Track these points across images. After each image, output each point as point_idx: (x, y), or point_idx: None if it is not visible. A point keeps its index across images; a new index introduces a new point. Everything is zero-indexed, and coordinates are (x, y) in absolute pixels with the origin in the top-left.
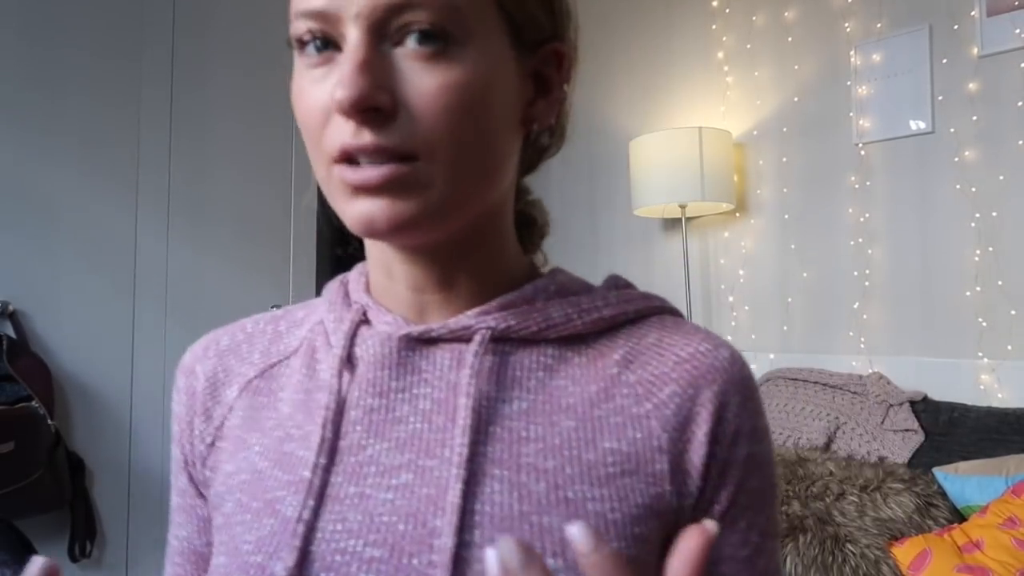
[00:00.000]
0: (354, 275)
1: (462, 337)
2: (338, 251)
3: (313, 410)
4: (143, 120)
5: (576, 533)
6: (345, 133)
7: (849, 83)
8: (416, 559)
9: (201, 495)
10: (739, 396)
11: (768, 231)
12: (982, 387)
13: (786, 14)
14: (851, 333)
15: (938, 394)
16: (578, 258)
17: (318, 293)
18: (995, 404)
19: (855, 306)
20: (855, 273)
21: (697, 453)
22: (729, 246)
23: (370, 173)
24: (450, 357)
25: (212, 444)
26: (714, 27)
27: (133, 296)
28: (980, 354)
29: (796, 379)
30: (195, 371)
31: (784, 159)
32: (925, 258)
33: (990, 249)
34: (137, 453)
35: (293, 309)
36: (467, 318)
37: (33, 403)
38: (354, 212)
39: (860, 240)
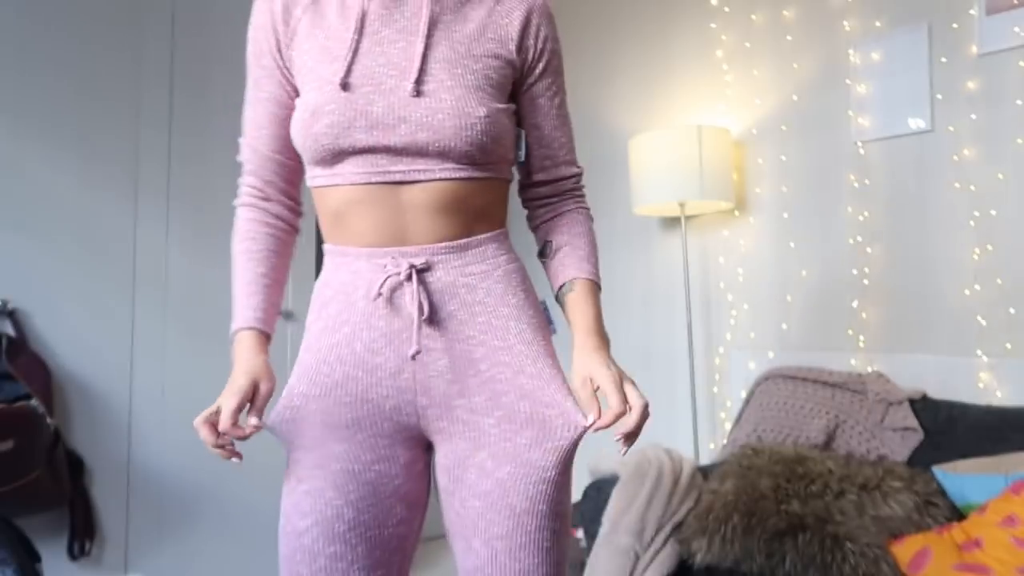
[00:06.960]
0: None
1: None
2: None
3: (349, 16)
4: (143, 118)
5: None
6: None
7: (848, 82)
8: (404, 82)
9: (283, 68)
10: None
11: (767, 229)
12: (981, 385)
13: (785, 13)
14: (850, 331)
15: (937, 392)
16: None
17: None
18: (994, 402)
19: (854, 304)
20: (854, 271)
21: (528, 41)
22: (728, 244)
23: None
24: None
25: (291, 38)
26: (713, 25)
27: (133, 294)
28: (979, 352)
29: (795, 377)
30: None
31: (783, 157)
32: (924, 256)
33: (989, 247)
34: (136, 451)
35: None
36: None
37: (32, 402)
38: None
39: (859, 238)
